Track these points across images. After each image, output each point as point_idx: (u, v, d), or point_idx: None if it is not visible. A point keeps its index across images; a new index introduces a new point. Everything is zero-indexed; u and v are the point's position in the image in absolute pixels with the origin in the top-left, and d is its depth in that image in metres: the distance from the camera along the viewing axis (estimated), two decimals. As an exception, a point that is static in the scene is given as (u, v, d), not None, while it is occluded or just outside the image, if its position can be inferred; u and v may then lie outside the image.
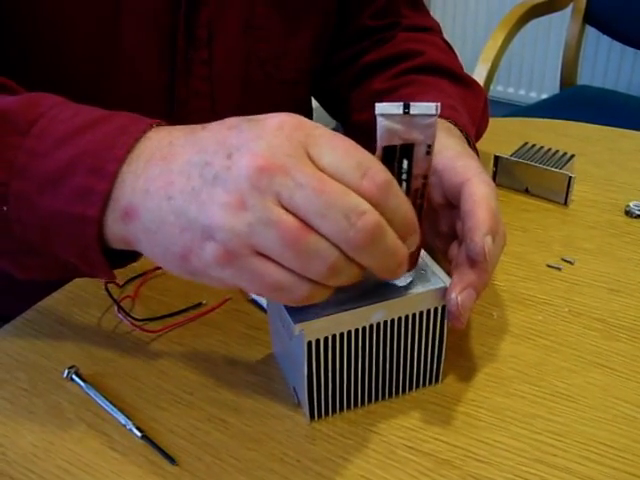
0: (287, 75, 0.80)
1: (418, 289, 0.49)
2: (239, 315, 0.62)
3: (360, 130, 0.76)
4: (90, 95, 0.68)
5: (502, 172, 0.82)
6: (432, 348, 0.53)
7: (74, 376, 0.56)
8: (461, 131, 0.66)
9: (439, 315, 0.51)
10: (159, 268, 0.65)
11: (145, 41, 0.68)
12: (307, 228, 0.40)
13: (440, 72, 0.78)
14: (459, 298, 0.49)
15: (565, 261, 0.69)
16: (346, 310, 0.47)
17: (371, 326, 0.49)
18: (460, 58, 0.86)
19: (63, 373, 0.56)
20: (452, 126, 0.65)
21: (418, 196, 0.47)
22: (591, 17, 1.94)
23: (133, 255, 0.48)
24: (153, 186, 0.44)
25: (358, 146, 0.42)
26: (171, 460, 0.49)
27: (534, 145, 0.83)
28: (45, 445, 0.51)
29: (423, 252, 0.53)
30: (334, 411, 0.52)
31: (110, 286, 0.62)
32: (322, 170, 0.41)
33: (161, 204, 0.43)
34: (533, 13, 1.88)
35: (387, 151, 0.45)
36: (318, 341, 0.48)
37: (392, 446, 0.50)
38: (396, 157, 0.45)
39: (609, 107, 1.84)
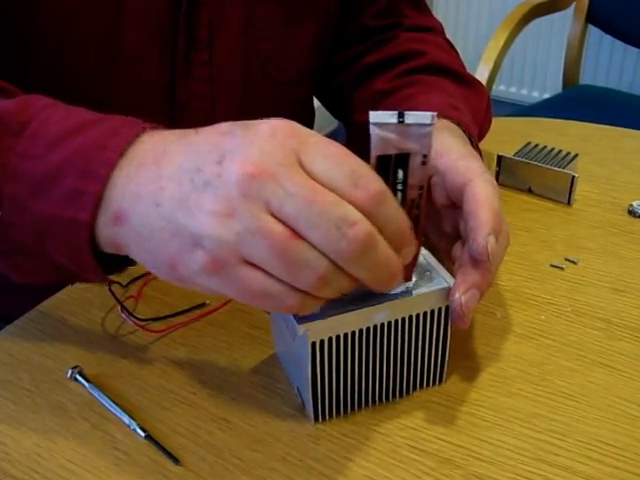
0: (287, 76, 0.80)
1: (422, 289, 0.49)
2: (242, 315, 0.62)
3: (362, 130, 0.75)
4: (91, 96, 0.68)
5: (505, 172, 0.81)
6: (436, 348, 0.53)
7: (77, 376, 0.56)
8: (464, 131, 0.65)
9: (443, 315, 0.51)
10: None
11: (146, 42, 0.68)
12: (297, 237, 0.40)
13: (443, 72, 0.78)
14: (463, 298, 0.49)
15: (568, 261, 0.69)
16: (350, 311, 0.47)
17: (375, 326, 0.49)
18: (462, 58, 0.86)
19: (66, 373, 0.56)
20: (455, 126, 0.65)
21: (414, 207, 0.46)
22: (593, 16, 1.94)
23: (129, 259, 0.48)
24: (143, 191, 0.43)
25: (352, 155, 0.42)
26: (175, 460, 0.49)
27: (537, 145, 0.83)
28: (48, 445, 0.51)
29: (427, 252, 0.53)
30: (338, 412, 0.52)
31: (113, 286, 0.62)
32: (314, 178, 0.40)
33: (150, 210, 0.43)
34: (535, 12, 1.88)
35: (381, 161, 0.44)
36: (322, 341, 0.48)
37: (395, 446, 0.50)
38: (391, 167, 0.44)
39: (612, 106, 1.84)
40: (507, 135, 0.93)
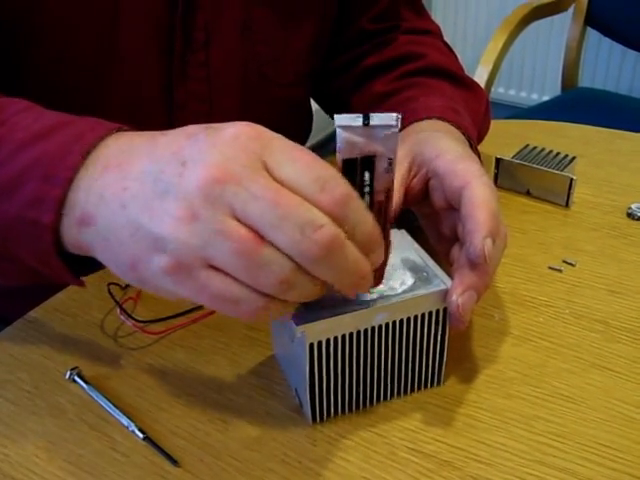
0: (285, 78, 0.80)
1: (420, 291, 0.49)
2: (241, 317, 0.62)
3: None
4: (88, 98, 0.68)
5: (503, 174, 0.82)
6: (434, 350, 0.53)
7: (76, 377, 0.56)
8: (463, 134, 0.66)
9: (441, 317, 0.51)
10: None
11: (142, 43, 0.68)
12: (261, 240, 0.39)
13: (442, 75, 0.79)
14: (460, 300, 0.49)
15: (566, 263, 0.69)
16: (348, 312, 0.47)
17: (373, 328, 0.49)
18: (461, 60, 0.86)
19: (65, 374, 0.56)
20: (454, 129, 0.65)
21: (382, 210, 0.45)
22: (592, 19, 1.94)
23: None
24: (108, 193, 0.43)
25: (318, 159, 0.41)
26: (173, 461, 0.49)
27: (535, 147, 0.83)
28: (47, 446, 0.51)
29: (425, 254, 0.53)
30: (336, 413, 0.52)
31: (112, 287, 0.62)
32: (279, 182, 0.40)
33: (115, 212, 0.42)
34: (534, 15, 1.88)
35: (347, 164, 0.43)
36: (320, 343, 0.48)
37: (393, 447, 0.50)
38: (357, 170, 0.43)
39: (610, 109, 1.84)
40: (506, 137, 0.93)
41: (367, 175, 0.44)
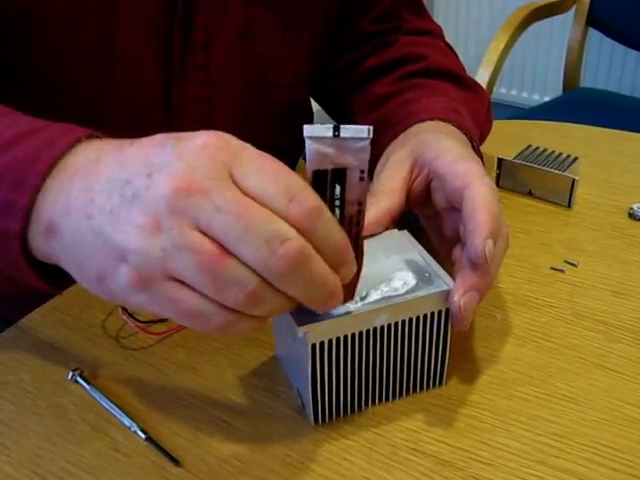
0: (285, 79, 0.80)
1: (422, 292, 0.49)
2: (243, 317, 0.62)
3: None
4: (86, 99, 0.68)
5: (505, 175, 0.82)
6: (436, 351, 0.53)
7: (78, 378, 0.56)
8: (465, 135, 0.66)
9: (443, 318, 0.51)
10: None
11: (141, 45, 0.68)
12: (225, 254, 0.38)
13: (443, 75, 0.79)
14: (462, 301, 0.49)
15: (568, 263, 0.69)
16: (350, 313, 0.47)
17: (375, 329, 0.49)
18: (463, 61, 0.86)
19: (67, 375, 0.56)
20: (456, 130, 0.65)
21: (353, 224, 0.44)
22: (594, 20, 1.94)
23: None
24: (74, 204, 0.42)
25: (288, 169, 0.40)
26: (175, 462, 0.49)
27: (537, 147, 0.83)
28: (49, 447, 0.51)
29: (427, 255, 0.53)
30: (337, 414, 0.52)
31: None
32: (246, 194, 0.39)
33: (81, 222, 0.42)
34: (536, 16, 1.89)
35: (317, 176, 0.42)
36: (322, 343, 0.48)
37: (395, 448, 0.50)
38: (328, 182, 0.42)
39: (612, 109, 1.84)
40: (507, 138, 0.93)
41: (338, 188, 0.43)
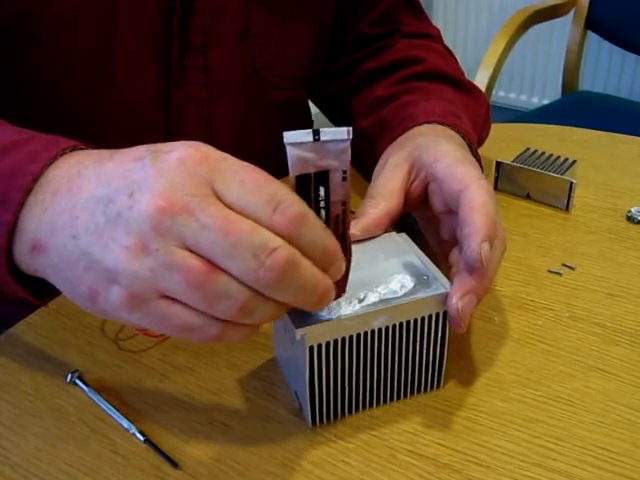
0: (284, 82, 0.81)
1: (420, 294, 0.50)
2: (241, 320, 0.62)
3: (362, 137, 0.76)
4: (86, 102, 0.68)
5: (504, 178, 0.82)
6: (434, 353, 0.53)
7: (77, 380, 0.56)
8: (463, 138, 0.66)
9: (440, 320, 0.51)
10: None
11: (139, 47, 0.68)
12: (214, 270, 0.39)
13: (442, 79, 0.79)
14: (459, 304, 0.49)
15: (566, 266, 0.69)
16: (348, 315, 0.48)
17: (373, 331, 0.49)
18: (462, 64, 0.86)
19: (66, 377, 0.56)
20: (454, 133, 0.66)
21: (339, 222, 0.45)
22: (593, 23, 1.95)
23: None
24: (59, 222, 0.42)
25: (270, 178, 0.41)
26: (174, 464, 0.49)
27: (536, 151, 0.83)
28: (48, 448, 0.51)
29: (425, 258, 0.53)
30: (335, 416, 0.52)
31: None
32: (229, 207, 0.39)
33: (67, 241, 0.42)
34: (535, 19, 1.89)
35: (300, 180, 0.42)
36: (320, 346, 0.48)
37: (393, 450, 0.51)
38: (311, 185, 0.43)
39: (611, 113, 1.84)
40: (506, 141, 0.93)
41: (322, 190, 0.43)
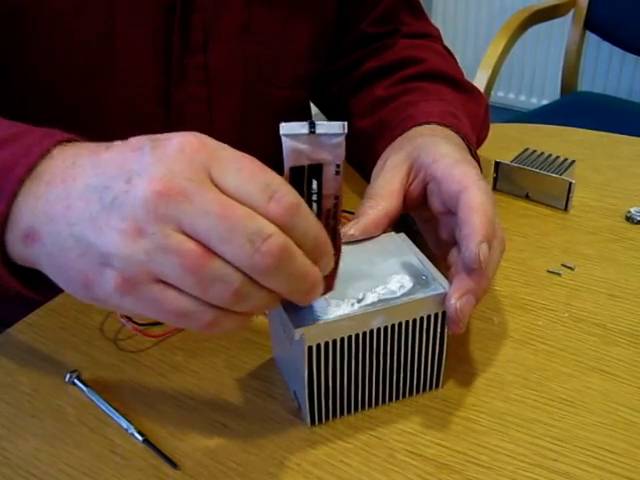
0: (285, 80, 0.81)
1: (418, 295, 0.50)
2: (240, 320, 0.62)
3: (361, 137, 0.76)
4: (86, 100, 0.68)
5: (502, 178, 0.82)
6: (432, 353, 0.53)
7: (76, 380, 0.56)
8: (462, 139, 0.66)
9: (439, 320, 0.51)
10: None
11: (140, 45, 0.68)
12: (209, 254, 0.39)
13: (441, 79, 0.79)
14: (458, 304, 0.49)
15: (565, 267, 0.69)
16: (347, 315, 0.48)
17: (371, 331, 0.49)
18: (461, 64, 0.86)
19: (65, 377, 0.56)
20: (452, 134, 0.66)
21: (330, 217, 0.45)
22: (592, 23, 1.95)
23: None
24: (53, 210, 0.42)
25: (265, 168, 0.41)
26: (172, 464, 0.49)
27: (535, 151, 0.83)
28: (47, 449, 0.51)
29: (424, 258, 0.53)
30: (334, 415, 0.52)
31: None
32: (226, 193, 0.39)
33: (61, 229, 0.42)
34: (534, 19, 1.89)
35: (294, 172, 0.43)
36: (319, 346, 0.48)
37: (392, 450, 0.51)
38: (305, 178, 0.43)
39: (610, 113, 1.84)
40: (505, 141, 0.93)
41: (315, 183, 0.43)
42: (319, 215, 0.44)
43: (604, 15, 1.93)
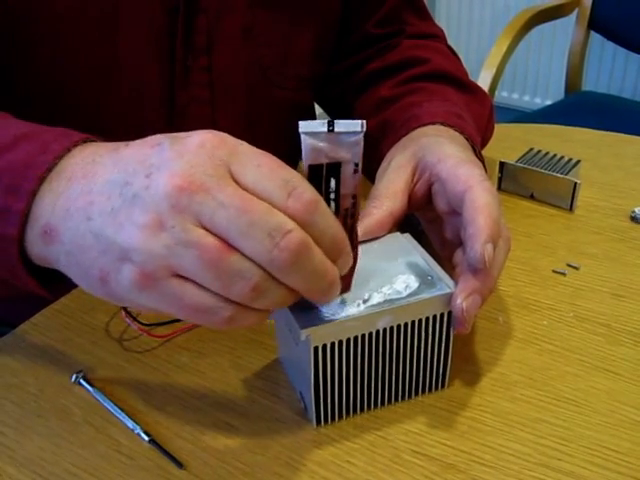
0: (289, 82, 0.81)
1: (424, 295, 0.50)
2: (245, 320, 0.62)
3: (366, 138, 0.76)
4: (89, 102, 0.68)
5: (507, 178, 0.82)
6: (438, 353, 0.53)
7: (82, 380, 0.56)
8: (467, 139, 0.66)
9: (445, 320, 0.51)
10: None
11: (143, 47, 0.68)
12: (229, 249, 0.39)
13: (446, 79, 0.79)
14: (464, 304, 0.49)
15: (570, 266, 0.69)
16: (353, 315, 0.48)
17: (377, 332, 0.49)
18: (465, 64, 0.86)
19: (71, 377, 0.56)
20: (457, 134, 0.66)
21: (348, 216, 0.45)
22: (596, 23, 1.94)
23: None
24: (73, 206, 0.42)
25: (284, 165, 0.41)
26: (178, 464, 0.49)
27: (539, 151, 0.83)
28: (53, 449, 0.51)
29: (429, 258, 0.53)
30: (340, 416, 0.52)
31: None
32: (246, 189, 0.40)
33: (80, 225, 0.42)
34: (538, 19, 1.89)
35: (313, 170, 0.43)
36: (324, 346, 0.48)
37: (398, 450, 0.51)
38: (323, 176, 0.43)
39: (614, 113, 1.84)
40: (509, 141, 0.93)
41: (333, 182, 0.43)
42: (337, 214, 0.44)
43: (608, 15, 1.93)
